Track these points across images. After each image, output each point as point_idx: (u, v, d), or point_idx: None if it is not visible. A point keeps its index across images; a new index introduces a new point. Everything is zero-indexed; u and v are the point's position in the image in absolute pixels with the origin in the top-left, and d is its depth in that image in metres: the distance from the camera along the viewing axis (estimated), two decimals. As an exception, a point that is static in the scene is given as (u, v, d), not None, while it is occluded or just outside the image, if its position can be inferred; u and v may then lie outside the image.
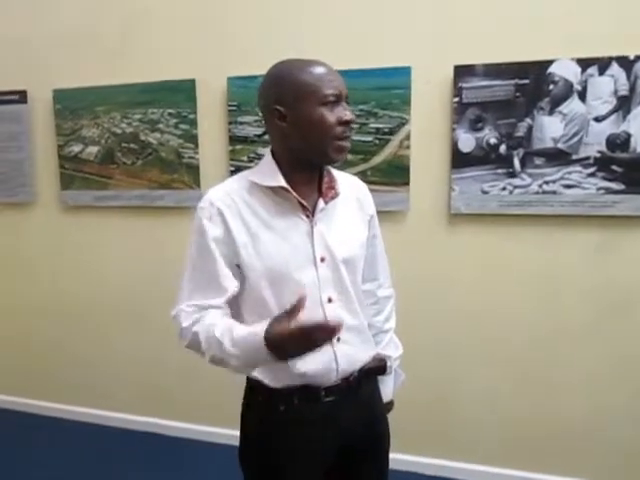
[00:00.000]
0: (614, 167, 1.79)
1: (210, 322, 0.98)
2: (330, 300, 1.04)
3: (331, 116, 0.98)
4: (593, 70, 1.77)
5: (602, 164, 1.80)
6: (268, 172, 1.03)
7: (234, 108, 2.16)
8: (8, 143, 2.53)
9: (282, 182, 1.01)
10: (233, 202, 1.02)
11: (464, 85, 1.88)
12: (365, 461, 1.15)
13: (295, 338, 0.85)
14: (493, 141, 1.89)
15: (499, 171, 1.90)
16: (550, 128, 1.83)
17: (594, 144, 1.80)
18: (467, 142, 1.91)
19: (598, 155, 1.80)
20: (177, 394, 2.46)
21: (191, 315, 1.01)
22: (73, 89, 2.38)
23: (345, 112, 0.99)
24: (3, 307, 2.72)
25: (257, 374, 1.05)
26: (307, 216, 1.03)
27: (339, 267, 1.05)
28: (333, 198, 1.06)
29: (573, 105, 1.80)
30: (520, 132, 1.86)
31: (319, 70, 0.98)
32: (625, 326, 1.89)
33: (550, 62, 1.80)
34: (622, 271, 1.87)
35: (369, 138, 2.01)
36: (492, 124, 1.88)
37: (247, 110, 2.14)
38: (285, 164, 1.03)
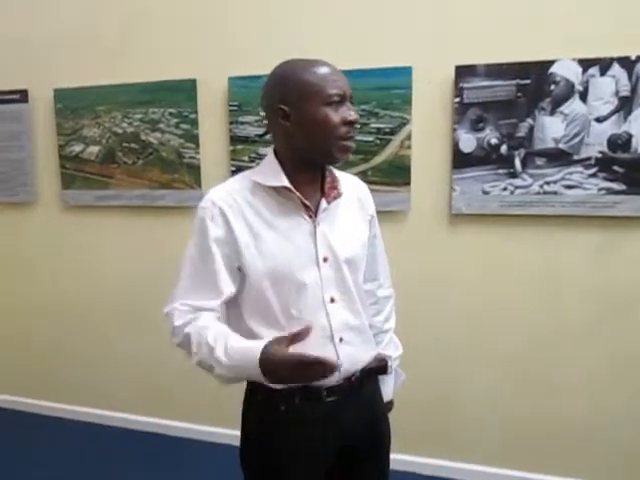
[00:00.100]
0: (615, 168, 1.79)
1: (203, 325, 0.98)
2: (333, 300, 1.04)
3: (335, 116, 0.97)
4: (594, 70, 1.77)
5: (603, 165, 1.80)
6: (271, 172, 1.03)
7: (235, 108, 2.16)
8: (9, 142, 2.53)
9: (285, 182, 1.01)
10: (235, 202, 1.02)
11: (465, 85, 1.88)
12: (366, 461, 1.15)
13: (291, 365, 0.86)
14: (494, 141, 1.89)
15: (500, 171, 1.90)
16: (551, 128, 1.83)
17: (595, 144, 1.80)
18: (468, 142, 1.91)
19: (599, 155, 1.80)
20: (177, 394, 2.45)
21: (184, 315, 1.01)
22: (74, 89, 2.37)
23: (349, 112, 0.99)
24: (3, 307, 2.72)
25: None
26: (310, 216, 1.03)
27: (342, 267, 1.05)
28: (336, 198, 1.06)
29: (574, 105, 1.80)
30: (521, 132, 1.86)
31: (323, 70, 0.98)
32: (626, 326, 1.89)
33: (551, 62, 1.80)
34: (623, 272, 1.87)
35: (370, 138, 2.01)
36: (493, 124, 1.88)
37: (248, 110, 2.14)
38: (288, 164, 1.03)
